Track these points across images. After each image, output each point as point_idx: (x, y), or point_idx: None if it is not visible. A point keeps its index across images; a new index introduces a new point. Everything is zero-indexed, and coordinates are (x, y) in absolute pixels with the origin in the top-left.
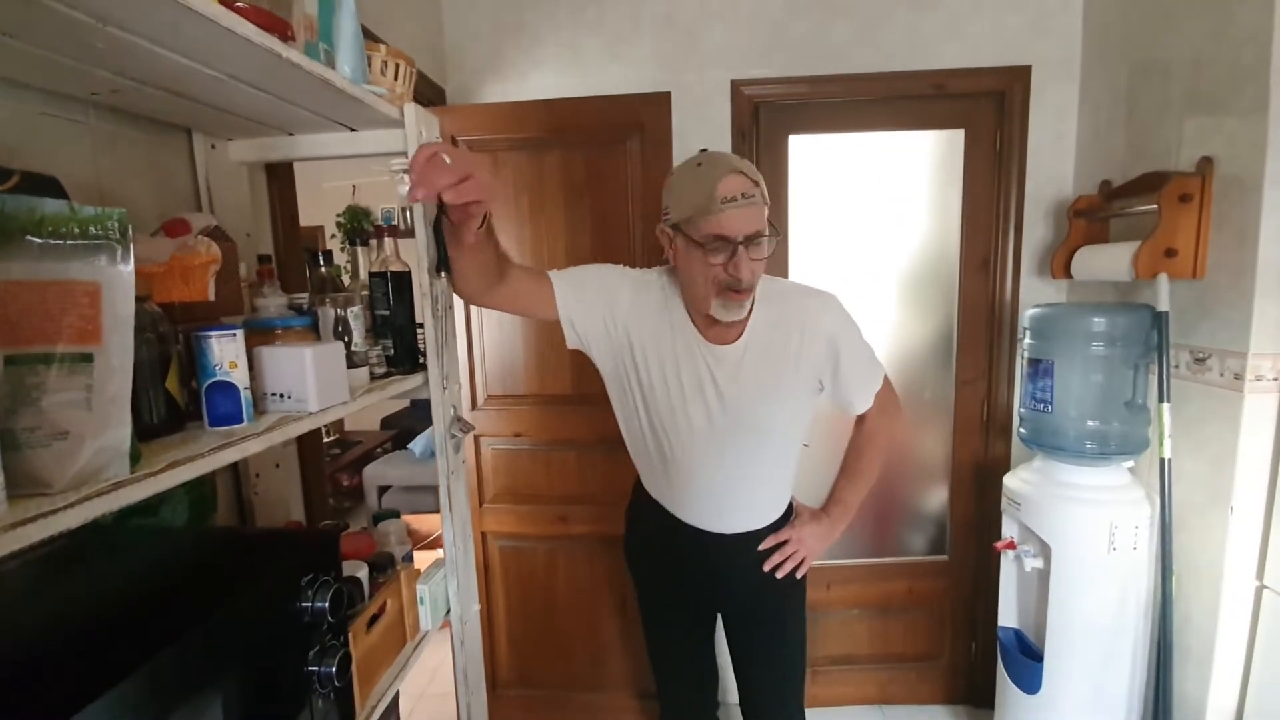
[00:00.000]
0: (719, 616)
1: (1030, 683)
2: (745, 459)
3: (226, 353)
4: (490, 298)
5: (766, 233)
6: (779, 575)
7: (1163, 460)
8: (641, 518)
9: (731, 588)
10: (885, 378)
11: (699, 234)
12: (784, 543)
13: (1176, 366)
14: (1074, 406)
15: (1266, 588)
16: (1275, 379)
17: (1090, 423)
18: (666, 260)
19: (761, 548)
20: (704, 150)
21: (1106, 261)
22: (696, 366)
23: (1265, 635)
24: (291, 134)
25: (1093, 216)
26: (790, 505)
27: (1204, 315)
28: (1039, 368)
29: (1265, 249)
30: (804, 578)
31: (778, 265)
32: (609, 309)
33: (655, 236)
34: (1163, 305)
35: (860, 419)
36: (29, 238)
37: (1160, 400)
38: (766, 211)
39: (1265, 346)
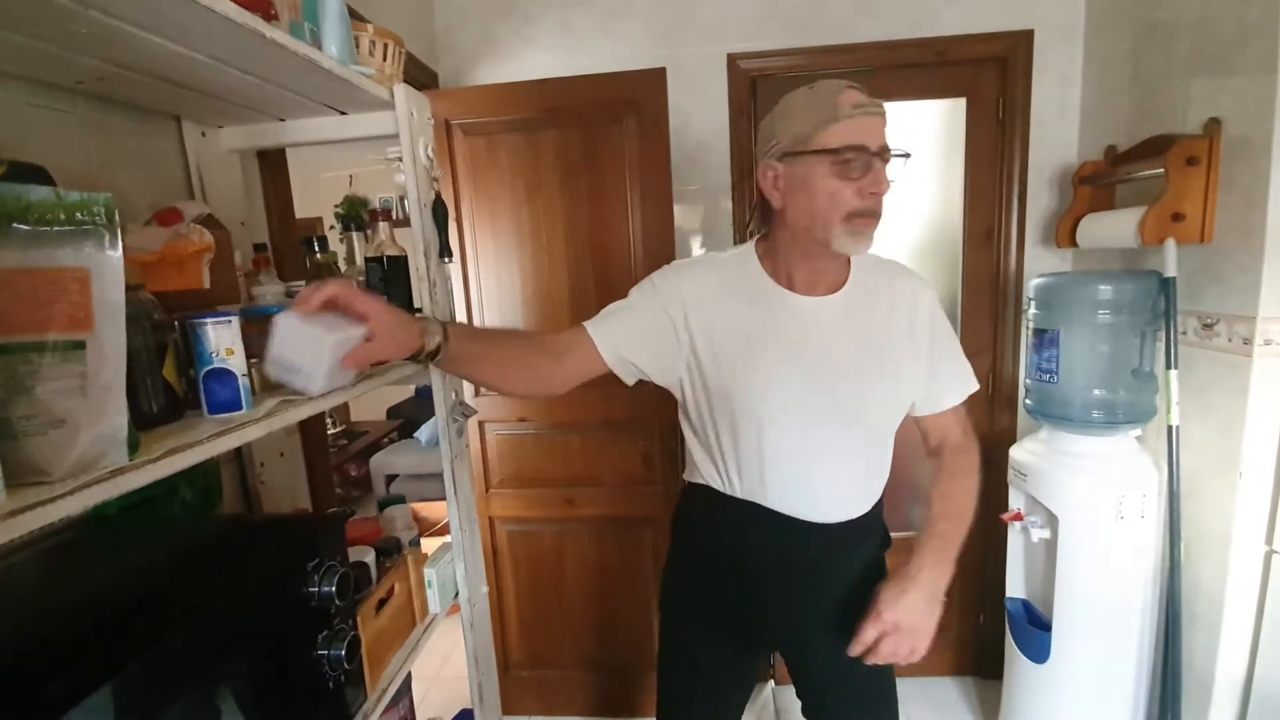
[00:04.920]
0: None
1: (1039, 652)
2: (841, 434)
3: (223, 340)
4: (547, 383)
5: (894, 149)
6: (879, 661)
7: (1170, 427)
8: (702, 524)
9: (817, 590)
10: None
11: (829, 145)
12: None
13: (1184, 333)
14: (1080, 376)
15: (1276, 553)
16: None
17: (1097, 392)
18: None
19: (852, 652)
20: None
21: (1112, 228)
22: (785, 327)
23: (1275, 601)
24: (282, 119)
25: (1098, 183)
26: (881, 500)
27: (1212, 280)
28: (1044, 338)
29: (1275, 210)
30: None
31: None
32: (669, 321)
33: (760, 185)
34: (1170, 271)
35: (939, 449)
36: (16, 225)
37: (1168, 367)
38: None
39: (1274, 310)
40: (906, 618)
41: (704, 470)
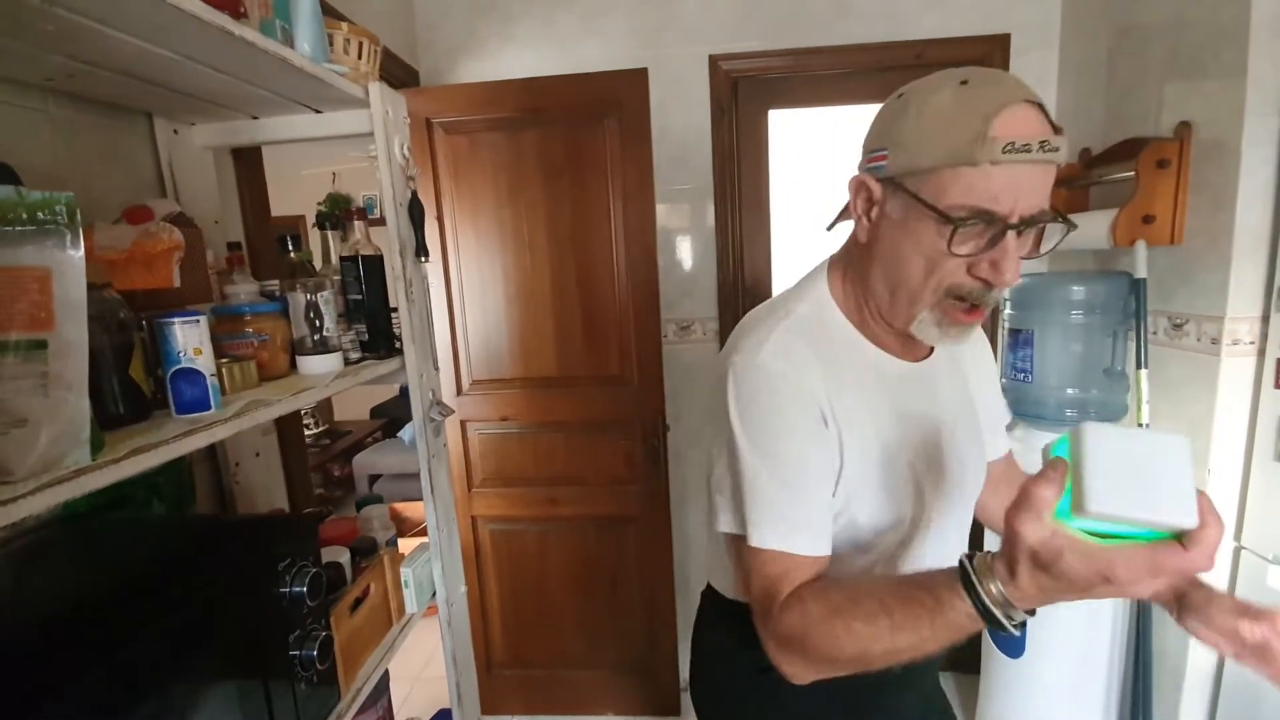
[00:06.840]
0: None
1: (1014, 647)
2: (965, 516)
3: (190, 339)
4: None
5: (1050, 216)
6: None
7: (1141, 425)
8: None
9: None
10: None
11: (944, 198)
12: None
13: (1154, 332)
14: (1053, 375)
15: (1244, 548)
16: (1252, 342)
17: (1070, 391)
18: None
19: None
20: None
21: (1085, 229)
22: (912, 411)
23: (1243, 594)
24: (256, 117)
25: (1072, 185)
26: None
27: (1181, 281)
28: (1019, 338)
29: (1243, 212)
30: None
31: (761, 246)
32: (823, 423)
33: (855, 192)
34: (1140, 272)
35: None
36: None
37: (1138, 366)
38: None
39: (1242, 310)
40: None
41: None
